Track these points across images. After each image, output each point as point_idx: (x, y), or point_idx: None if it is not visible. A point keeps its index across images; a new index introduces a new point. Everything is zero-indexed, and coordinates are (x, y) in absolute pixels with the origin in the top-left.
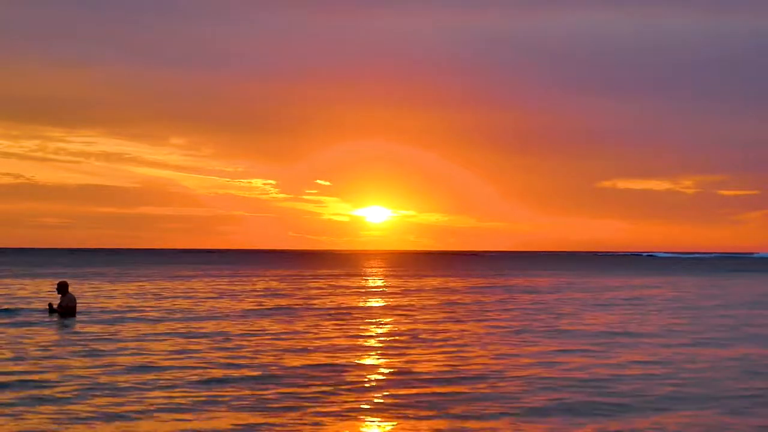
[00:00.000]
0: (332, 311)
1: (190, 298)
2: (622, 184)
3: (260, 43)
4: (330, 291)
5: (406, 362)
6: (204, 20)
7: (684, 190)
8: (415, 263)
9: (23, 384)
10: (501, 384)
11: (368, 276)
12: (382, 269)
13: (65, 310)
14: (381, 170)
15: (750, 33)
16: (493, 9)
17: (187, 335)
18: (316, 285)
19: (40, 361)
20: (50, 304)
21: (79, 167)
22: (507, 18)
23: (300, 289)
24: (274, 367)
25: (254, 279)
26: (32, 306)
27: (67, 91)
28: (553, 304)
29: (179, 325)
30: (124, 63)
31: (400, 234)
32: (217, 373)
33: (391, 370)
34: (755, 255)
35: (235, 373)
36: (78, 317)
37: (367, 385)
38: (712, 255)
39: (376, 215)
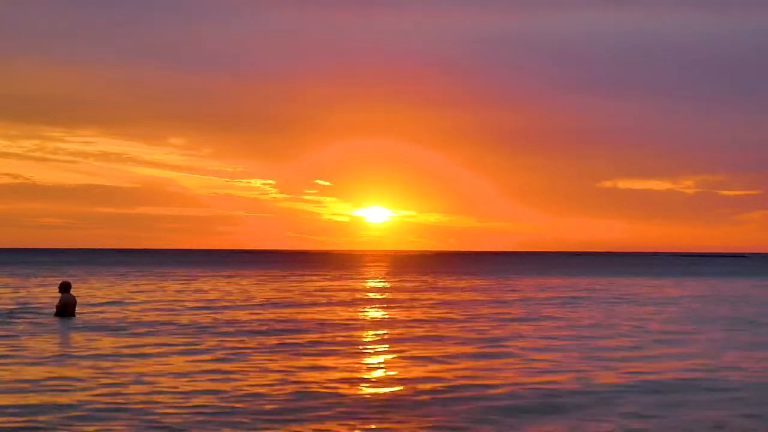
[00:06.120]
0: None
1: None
2: (622, 184)
3: (260, 43)
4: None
5: None
6: (204, 20)
7: (684, 190)
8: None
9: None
10: None
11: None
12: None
13: (61, 309)
14: (381, 170)
15: (750, 33)
16: (493, 8)
17: None
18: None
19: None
20: (60, 304)
21: (77, 167)
22: (507, 18)
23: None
24: None
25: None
26: (33, 306)
27: (65, 91)
28: None
29: None
30: (123, 63)
31: (400, 234)
32: None
33: None
34: None
35: None
36: None
37: None
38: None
39: (376, 215)
